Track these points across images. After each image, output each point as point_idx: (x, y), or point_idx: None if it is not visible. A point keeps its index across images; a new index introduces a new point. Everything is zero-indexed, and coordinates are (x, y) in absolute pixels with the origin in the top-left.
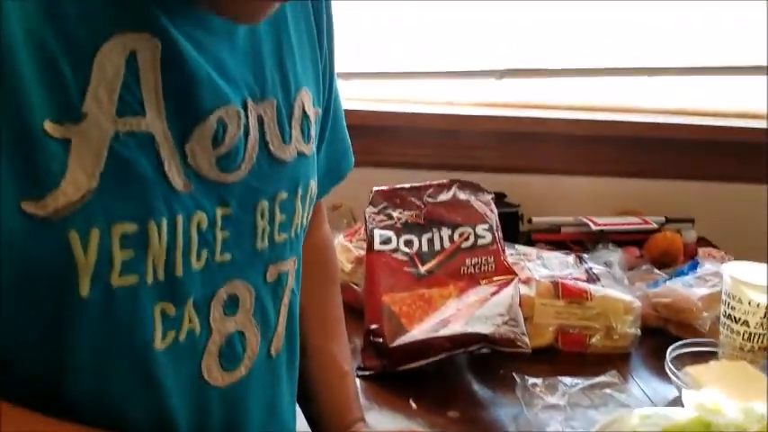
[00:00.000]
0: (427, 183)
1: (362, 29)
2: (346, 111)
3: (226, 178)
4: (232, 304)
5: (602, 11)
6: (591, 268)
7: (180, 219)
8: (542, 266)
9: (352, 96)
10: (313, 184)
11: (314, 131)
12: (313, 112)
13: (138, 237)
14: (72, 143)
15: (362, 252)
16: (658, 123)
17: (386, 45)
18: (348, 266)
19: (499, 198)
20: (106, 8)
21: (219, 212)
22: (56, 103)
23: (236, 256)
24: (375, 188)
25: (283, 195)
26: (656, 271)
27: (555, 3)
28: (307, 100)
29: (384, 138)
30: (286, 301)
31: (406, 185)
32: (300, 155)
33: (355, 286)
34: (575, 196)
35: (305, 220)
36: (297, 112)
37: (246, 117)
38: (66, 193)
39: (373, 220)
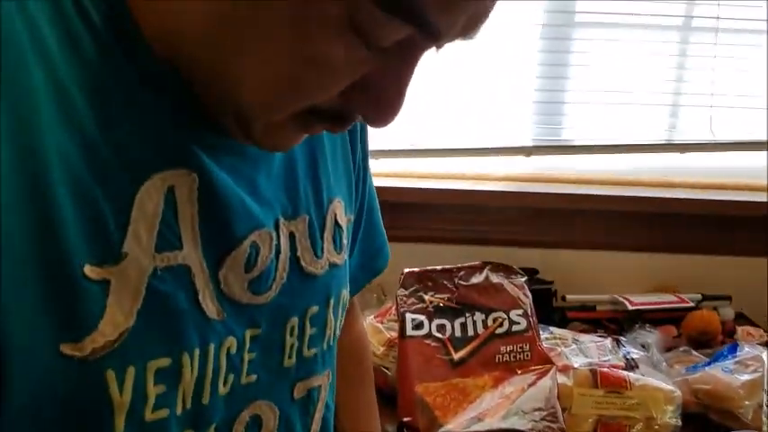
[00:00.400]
0: (459, 265)
1: None
2: (376, 186)
3: (257, 300)
4: (255, 425)
5: (633, 87)
6: (629, 353)
7: (212, 347)
8: (579, 352)
9: (382, 172)
10: (345, 293)
11: (346, 239)
12: (345, 220)
13: (172, 370)
14: (111, 284)
15: (394, 334)
16: (691, 198)
17: (415, 122)
18: (380, 349)
19: (531, 274)
20: (145, 150)
21: (249, 334)
22: (96, 246)
23: (262, 376)
24: (406, 270)
25: (314, 309)
26: (695, 353)
27: (585, 79)
28: (339, 210)
29: (414, 213)
30: (318, 416)
31: (438, 267)
32: (332, 266)
33: (386, 370)
34: (608, 272)
35: (337, 329)
36: (329, 224)
37: (278, 237)
38: (104, 333)
39: (404, 302)
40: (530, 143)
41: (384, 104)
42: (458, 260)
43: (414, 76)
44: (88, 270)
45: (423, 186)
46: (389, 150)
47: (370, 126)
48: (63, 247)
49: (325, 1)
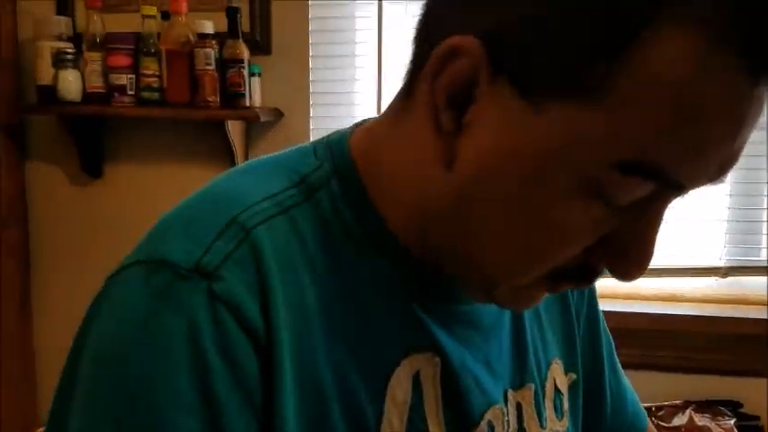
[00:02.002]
0: (658, 403)
1: None
2: None
3: None
4: None
5: None
6: None
7: None
8: None
9: None
10: None
11: (567, 404)
12: (565, 381)
13: None
14: None
15: None
16: None
17: None
18: None
19: (735, 407)
20: (394, 338)
21: None
22: None
23: None
24: None
25: None
26: None
27: None
28: (558, 372)
29: None
30: None
31: None
32: None
33: None
34: None
35: None
36: (549, 390)
37: (506, 409)
38: None
39: None
40: (723, 263)
41: (633, 259)
42: (652, 388)
43: (661, 226)
44: None
45: (612, 309)
46: None
47: (617, 279)
48: None
49: (562, 170)
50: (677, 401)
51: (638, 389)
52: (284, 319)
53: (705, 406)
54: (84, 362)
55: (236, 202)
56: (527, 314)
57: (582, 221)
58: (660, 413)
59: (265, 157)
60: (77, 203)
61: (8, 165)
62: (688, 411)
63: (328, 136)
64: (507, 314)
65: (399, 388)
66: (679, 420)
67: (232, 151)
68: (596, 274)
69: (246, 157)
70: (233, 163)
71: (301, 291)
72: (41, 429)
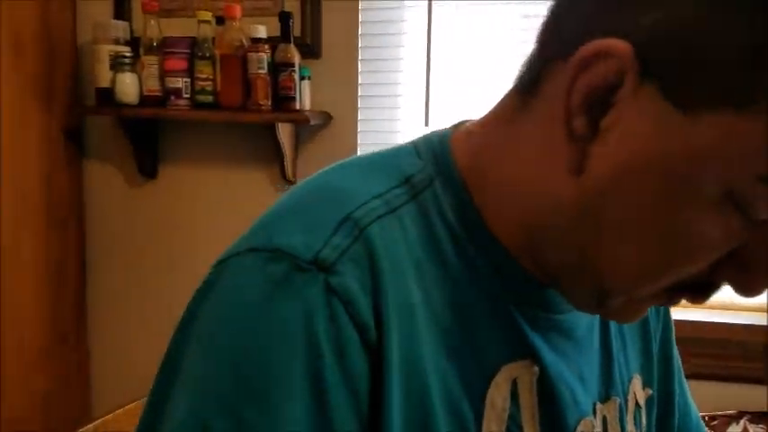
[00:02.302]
0: (712, 413)
1: None
2: None
3: None
4: None
5: None
6: None
7: None
8: None
9: None
10: None
11: (644, 419)
12: (643, 396)
13: None
14: None
15: None
16: None
17: None
18: None
19: None
20: (495, 343)
21: None
22: None
23: None
24: None
25: None
26: None
27: None
28: (637, 387)
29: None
30: None
31: None
32: None
33: None
34: None
35: None
36: (630, 404)
37: (594, 423)
38: None
39: None
40: None
41: (760, 274)
42: (705, 397)
43: None
44: None
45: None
46: None
47: (739, 293)
48: None
49: (709, 181)
50: (731, 411)
51: (692, 397)
52: (394, 321)
53: (760, 416)
54: (192, 346)
55: (349, 199)
56: (612, 327)
57: (719, 234)
58: (714, 423)
59: (365, 154)
60: (132, 204)
61: (68, 165)
62: (742, 421)
63: (428, 135)
64: (596, 326)
65: (498, 394)
66: (733, 430)
67: (281, 154)
68: (715, 288)
69: (295, 160)
70: (282, 165)
71: (408, 293)
72: (141, 400)
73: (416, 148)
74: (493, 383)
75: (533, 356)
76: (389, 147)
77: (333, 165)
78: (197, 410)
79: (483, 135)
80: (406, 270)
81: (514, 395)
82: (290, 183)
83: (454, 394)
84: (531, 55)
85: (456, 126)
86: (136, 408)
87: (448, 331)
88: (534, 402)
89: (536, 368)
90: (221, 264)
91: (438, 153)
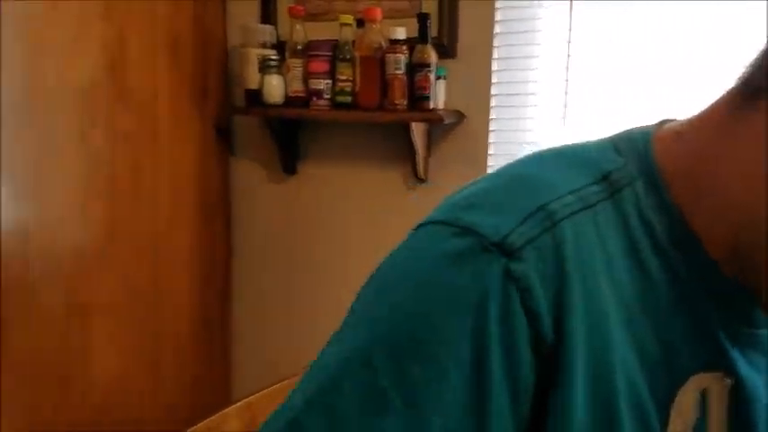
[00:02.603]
0: None
1: None
2: None
3: None
4: None
5: None
6: None
7: None
8: None
9: None
10: None
11: None
12: None
13: None
14: None
15: None
16: None
17: None
18: None
19: None
20: (687, 353)
21: None
22: None
23: None
24: None
25: None
26: None
27: None
28: None
29: None
30: None
31: None
32: None
33: None
34: None
35: None
36: None
37: None
38: None
39: None
40: None
41: None
42: None
43: None
44: None
45: None
46: None
47: None
48: None
49: None
50: None
51: None
52: (579, 321)
53: None
54: (370, 296)
55: (544, 190)
56: None
57: None
58: None
59: (559, 147)
60: (274, 199)
61: (218, 162)
62: None
63: (629, 131)
64: None
65: (686, 402)
66: None
67: (414, 152)
68: None
69: (427, 159)
70: (414, 164)
71: (598, 291)
72: (282, 383)
73: (615, 144)
74: (681, 391)
75: (728, 369)
76: (585, 141)
77: (528, 154)
78: (362, 348)
79: (695, 139)
80: (597, 268)
81: (703, 405)
82: (422, 181)
83: (640, 395)
84: (761, 54)
85: (660, 124)
86: (278, 390)
87: (639, 333)
88: (723, 416)
89: (728, 381)
90: (411, 233)
91: (642, 152)
